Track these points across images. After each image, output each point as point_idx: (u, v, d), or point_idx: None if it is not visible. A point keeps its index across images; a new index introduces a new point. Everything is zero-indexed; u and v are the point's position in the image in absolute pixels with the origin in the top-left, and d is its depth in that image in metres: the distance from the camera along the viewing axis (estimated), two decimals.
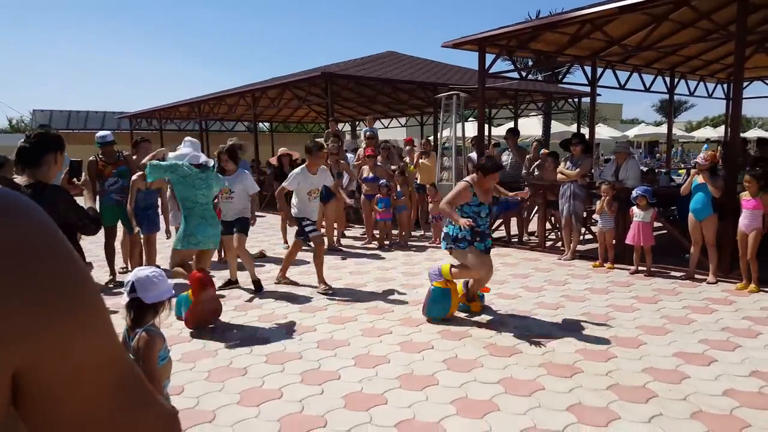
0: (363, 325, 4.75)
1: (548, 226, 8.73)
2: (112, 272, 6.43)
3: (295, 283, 6.23)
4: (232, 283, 6.10)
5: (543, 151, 10.18)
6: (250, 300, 5.68)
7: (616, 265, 6.77)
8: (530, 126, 21.02)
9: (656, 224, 6.57)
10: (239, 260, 6.17)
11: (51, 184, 3.07)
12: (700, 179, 5.94)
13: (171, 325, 4.75)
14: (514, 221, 8.80)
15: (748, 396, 3.30)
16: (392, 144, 9.97)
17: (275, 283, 6.25)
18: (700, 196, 5.93)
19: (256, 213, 6.23)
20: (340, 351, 4.15)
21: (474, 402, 3.28)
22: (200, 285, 4.55)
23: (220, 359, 4.04)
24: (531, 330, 4.58)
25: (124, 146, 7.72)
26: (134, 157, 6.45)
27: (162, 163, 4.82)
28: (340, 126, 17.57)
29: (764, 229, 5.55)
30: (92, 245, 7.19)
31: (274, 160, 9.81)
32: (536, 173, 8.68)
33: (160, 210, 6.59)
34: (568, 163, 7.42)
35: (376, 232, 8.67)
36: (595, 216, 7.05)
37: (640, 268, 6.49)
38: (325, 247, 8.15)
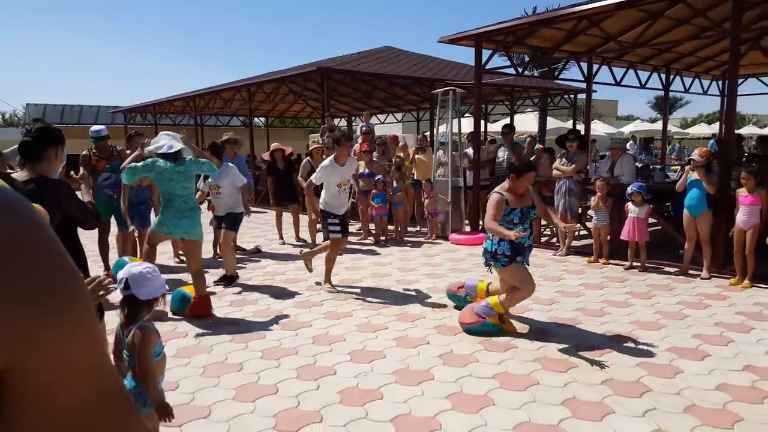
0: (359, 321, 4.75)
1: (543, 222, 8.76)
2: (107, 267, 6.40)
3: (334, 288, 5.84)
4: (228, 279, 6.09)
5: (538, 146, 10.20)
6: (239, 292, 5.67)
7: (610, 261, 6.80)
8: (526, 122, 21.06)
9: (651, 220, 6.59)
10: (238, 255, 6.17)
11: (53, 178, 3.08)
12: (695, 176, 5.97)
13: (165, 321, 4.75)
14: None
15: (740, 390, 3.32)
16: (387, 139, 9.95)
17: (327, 290, 5.79)
18: (694, 192, 5.95)
19: (251, 208, 6.23)
20: (335, 346, 4.16)
21: (469, 397, 3.29)
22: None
23: (216, 355, 4.04)
24: (526, 325, 4.59)
25: (119, 141, 7.67)
26: (128, 151, 6.42)
27: (137, 165, 4.80)
28: (336, 121, 17.53)
29: (761, 224, 5.58)
30: (86, 240, 7.12)
31: (266, 156, 9.79)
32: None
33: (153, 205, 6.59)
34: (563, 159, 7.43)
35: (371, 227, 8.67)
36: (591, 212, 7.07)
37: (634, 263, 6.52)
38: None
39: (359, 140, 9.72)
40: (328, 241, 5.91)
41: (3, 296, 0.43)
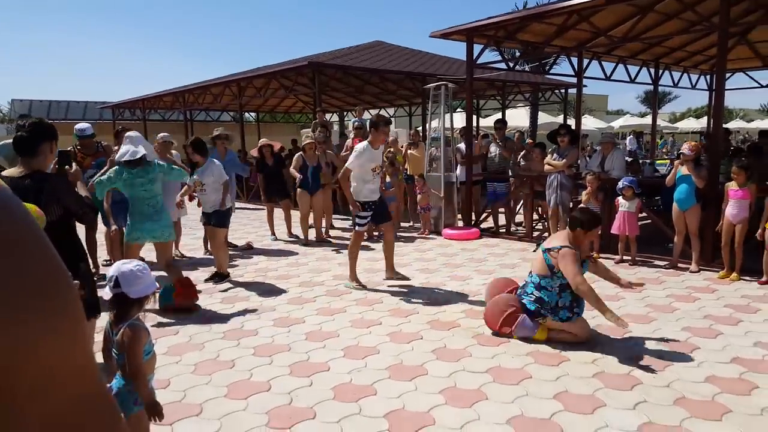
0: (352, 317, 4.75)
1: (535, 216, 8.81)
2: (95, 265, 6.34)
3: (405, 278, 5.91)
4: (220, 276, 6.06)
5: (528, 141, 10.23)
6: (225, 290, 5.66)
7: (601, 255, 6.84)
8: (518, 117, 21.08)
9: (641, 214, 6.64)
10: (231, 251, 6.14)
11: (51, 173, 3.07)
12: (684, 170, 6.01)
13: (155, 319, 4.72)
14: (516, 218, 8.85)
15: (729, 382, 3.36)
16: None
17: (354, 287, 5.66)
18: (683, 186, 6.00)
19: (236, 204, 6.19)
20: (329, 342, 4.15)
21: (463, 391, 3.31)
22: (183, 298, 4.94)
23: (207, 352, 4.02)
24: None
25: (107, 137, 7.58)
26: (115, 147, 6.35)
27: (103, 178, 4.94)
28: (327, 116, 17.46)
29: (749, 218, 5.64)
30: None
31: (254, 152, 9.73)
32: (522, 164, 8.73)
33: None
34: (554, 154, 7.46)
35: None
36: (582, 206, 7.10)
37: (624, 257, 6.57)
38: (314, 238, 8.15)
39: (351, 135, 9.71)
40: (385, 244, 5.82)
41: None
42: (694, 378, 3.43)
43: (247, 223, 10.05)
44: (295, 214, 8.42)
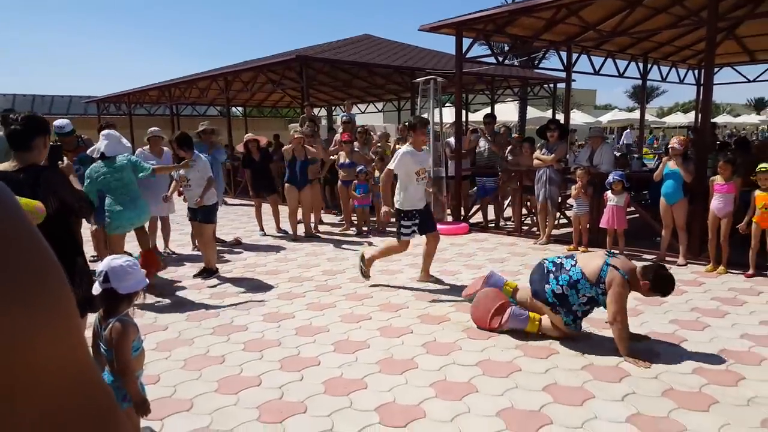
0: (342, 312, 4.74)
1: (524, 211, 8.84)
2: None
3: (440, 281, 5.64)
4: (208, 272, 6.01)
5: (515, 135, 10.26)
6: (214, 285, 5.62)
7: (589, 249, 6.88)
8: (506, 112, 21.16)
9: (629, 208, 6.69)
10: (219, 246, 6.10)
11: (46, 167, 3.04)
12: (672, 165, 6.06)
13: (144, 315, 4.68)
14: (508, 212, 8.87)
15: (716, 374, 3.40)
16: (371, 128, 9.91)
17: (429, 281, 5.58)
18: (671, 180, 6.05)
19: (225, 199, 6.15)
20: (319, 337, 4.14)
21: (453, 384, 3.32)
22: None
23: (197, 348, 3.99)
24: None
25: (92, 132, 7.45)
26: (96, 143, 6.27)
27: (86, 183, 5.02)
28: (315, 111, 17.38)
29: (734, 212, 5.70)
30: None
31: (240, 147, 9.65)
32: (509, 159, 8.76)
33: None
34: (543, 149, 7.49)
35: (353, 218, 8.64)
36: (571, 201, 7.14)
37: (612, 251, 6.61)
38: (302, 234, 8.11)
39: (340, 130, 9.66)
40: (393, 240, 5.57)
41: None
42: (682, 370, 3.47)
43: (235, 219, 9.99)
44: (284, 210, 8.37)
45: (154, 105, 20.72)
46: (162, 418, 2.95)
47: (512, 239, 7.85)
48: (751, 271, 5.56)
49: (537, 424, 2.85)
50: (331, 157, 8.88)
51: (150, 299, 4.96)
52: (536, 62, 12.43)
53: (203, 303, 5.05)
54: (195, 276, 5.90)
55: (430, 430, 2.83)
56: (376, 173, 8.57)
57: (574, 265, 3.86)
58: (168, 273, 6.06)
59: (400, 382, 3.36)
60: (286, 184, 7.90)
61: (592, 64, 11.36)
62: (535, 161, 7.50)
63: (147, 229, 5.71)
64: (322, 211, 9.27)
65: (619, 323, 3.63)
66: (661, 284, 3.69)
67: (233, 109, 21.68)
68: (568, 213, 8.24)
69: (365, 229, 8.48)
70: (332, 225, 9.13)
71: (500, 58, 9.94)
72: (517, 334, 4.09)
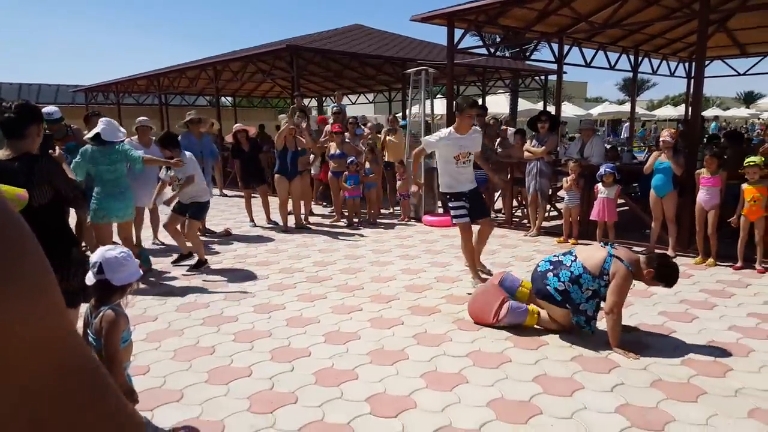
0: (333, 303, 4.73)
1: (515, 203, 8.86)
2: None
3: (489, 272, 5.31)
4: (185, 258, 5.98)
5: (503, 128, 10.26)
6: (198, 273, 5.58)
7: (579, 241, 6.92)
8: (498, 103, 21.14)
9: (619, 201, 6.72)
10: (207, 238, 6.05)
11: (40, 155, 2.99)
12: (662, 158, 6.09)
13: (134, 305, 4.63)
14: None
15: (704, 365, 3.44)
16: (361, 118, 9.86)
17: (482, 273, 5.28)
18: (661, 173, 6.08)
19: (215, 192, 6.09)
20: (310, 328, 4.13)
21: (443, 375, 3.32)
22: None
23: (187, 338, 3.96)
24: None
25: (79, 121, 7.34)
26: (84, 131, 6.18)
27: (76, 160, 4.98)
28: (306, 101, 17.25)
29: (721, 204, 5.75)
30: None
31: (230, 138, 9.57)
32: (499, 151, 8.75)
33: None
34: (534, 141, 7.49)
35: (344, 209, 8.62)
36: (562, 193, 7.16)
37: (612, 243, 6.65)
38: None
39: (330, 120, 9.60)
40: (462, 240, 5.15)
41: None
42: (671, 361, 3.50)
43: (225, 210, 9.92)
44: (274, 201, 8.32)
45: (142, 94, 20.48)
46: (152, 408, 2.93)
47: (503, 231, 7.87)
48: (739, 264, 5.62)
49: (527, 415, 2.86)
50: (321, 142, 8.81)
51: (141, 294, 4.91)
52: (528, 54, 12.42)
53: (193, 294, 5.01)
54: (188, 271, 5.82)
55: (420, 420, 2.83)
56: (367, 165, 8.55)
57: (575, 261, 3.82)
58: (157, 264, 6.01)
59: (390, 372, 3.36)
60: (276, 175, 7.85)
61: (583, 56, 11.37)
62: (526, 153, 7.51)
63: (132, 227, 5.64)
64: (312, 203, 9.23)
65: (615, 315, 3.62)
66: (666, 273, 3.67)
67: (223, 99, 21.48)
68: (558, 205, 8.28)
69: (356, 220, 8.46)
70: (323, 216, 9.10)
71: (492, 50, 9.91)
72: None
